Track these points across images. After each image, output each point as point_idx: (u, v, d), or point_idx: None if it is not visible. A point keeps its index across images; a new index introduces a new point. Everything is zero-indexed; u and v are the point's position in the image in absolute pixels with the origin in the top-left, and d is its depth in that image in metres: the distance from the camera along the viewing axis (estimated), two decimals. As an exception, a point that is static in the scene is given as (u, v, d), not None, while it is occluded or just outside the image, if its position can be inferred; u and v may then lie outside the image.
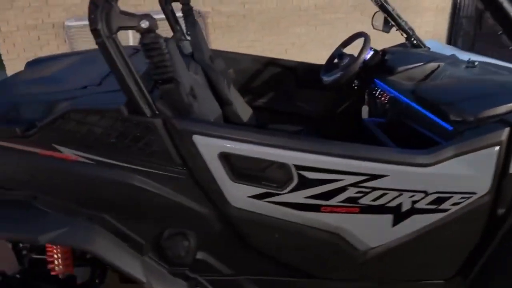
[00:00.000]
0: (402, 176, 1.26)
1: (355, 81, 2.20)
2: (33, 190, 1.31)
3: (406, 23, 2.32)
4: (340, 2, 5.93)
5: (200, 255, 1.41)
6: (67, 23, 5.30)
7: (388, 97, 1.90)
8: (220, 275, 1.45)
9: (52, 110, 1.26)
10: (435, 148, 1.28)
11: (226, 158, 1.23)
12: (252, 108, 2.36)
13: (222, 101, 2.01)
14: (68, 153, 1.25)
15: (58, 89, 1.42)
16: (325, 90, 2.41)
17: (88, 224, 1.28)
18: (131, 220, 1.33)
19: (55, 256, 1.60)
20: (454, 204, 1.30)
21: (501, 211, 1.32)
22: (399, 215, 1.30)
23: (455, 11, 6.03)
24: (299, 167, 1.22)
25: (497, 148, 1.24)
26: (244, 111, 2.20)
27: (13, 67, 5.67)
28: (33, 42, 5.60)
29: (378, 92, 1.99)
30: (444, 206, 1.30)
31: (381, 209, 1.29)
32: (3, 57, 5.70)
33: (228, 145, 1.22)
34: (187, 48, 2.32)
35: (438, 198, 1.28)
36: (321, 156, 1.21)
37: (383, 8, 2.26)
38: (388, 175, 1.24)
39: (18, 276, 1.46)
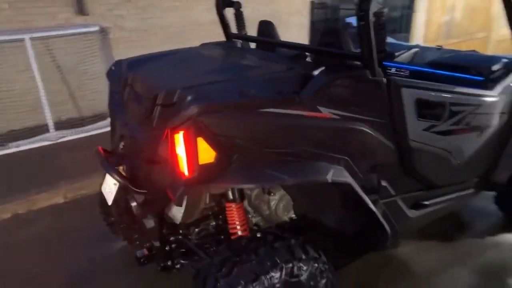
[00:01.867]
0: None
1: None
2: (300, 145, 1.60)
3: None
4: (230, 18, 6.70)
5: (383, 181, 1.95)
6: None
7: (408, 71, 2.77)
8: (389, 196, 2.01)
9: (306, 82, 1.61)
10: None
11: (419, 102, 1.84)
12: None
13: None
14: (326, 112, 1.62)
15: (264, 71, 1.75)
16: None
17: (340, 166, 1.67)
18: (356, 159, 1.76)
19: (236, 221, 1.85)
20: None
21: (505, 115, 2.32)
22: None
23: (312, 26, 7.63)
24: (452, 104, 1.95)
25: None
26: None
27: None
28: None
29: (395, 70, 2.84)
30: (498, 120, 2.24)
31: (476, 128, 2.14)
32: None
33: (421, 93, 1.84)
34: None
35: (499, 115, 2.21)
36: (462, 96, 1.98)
37: None
38: None
39: None
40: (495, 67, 2.39)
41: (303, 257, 1.59)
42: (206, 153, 1.47)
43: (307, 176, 1.60)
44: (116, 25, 5.74)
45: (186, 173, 1.47)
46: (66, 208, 3.40)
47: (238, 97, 1.51)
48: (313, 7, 7.77)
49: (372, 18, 1.58)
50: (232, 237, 1.90)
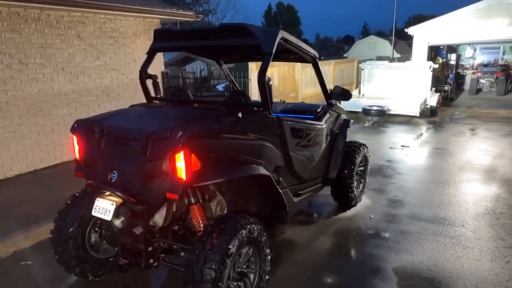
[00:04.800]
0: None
1: None
2: (241, 154, 2.69)
3: None
4: (91, 87, 7.29)
5: (280, 178, 3.20)
6: None
7: None
8: (283, 188, 3.27)
9: (237, 120, 2.75)
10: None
11: (291, 129, 3.21)
12: None
13: None
14: (251, 135, 2.79)
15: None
16: None
17: (262, 167, 2.84)
18: (268, 163, 2.94)
19: (198, 217, 2.80)
20: (326, 139, 3.89)
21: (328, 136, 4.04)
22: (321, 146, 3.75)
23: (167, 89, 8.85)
24: (306, 129, 3.43)
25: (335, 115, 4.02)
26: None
27: None
28: None
29: None
30: (326, 139, 3.86)
31: (317, 143, 3.68)
32: None
33: (292, 123, 3.23)
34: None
35: (326, 136, 3.83)
36: (309, 125, 3.48)
37: None
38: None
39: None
40: (318, 110, 4.07)
41: (254, 221, 2.65)
42: (195, 164, 2.41)
43: (249, 172, 2.71)
44: (-27, 98, 5.63)
45: (184, 178, 2.36)
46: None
47: (207, 129, 2.53)
48: (163, 76, 9.07)
49: (266, 84, 2.90)
50: (197, 229, 2.78)
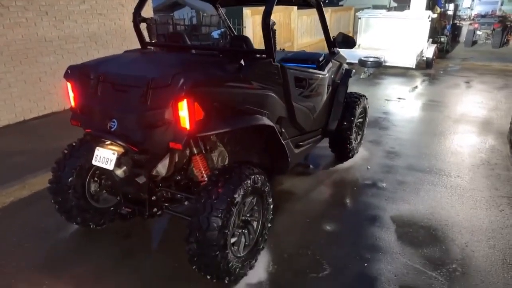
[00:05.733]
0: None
1: None
2: (245, 104, 2.59)
3: None
4: (78, 34, 6.92)
5: (282, 129, 3.14)
6: None
7: None
8: (285, 139, 3.22)
9: (240, 67, 2.62)
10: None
11: (295, 78, 3.10)
12: None
13: None
14: (254, 84, 2.68)
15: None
16: None
17: (263, 116, 2.75)
18: (271, 113, 2.86)
19: (201, 168, 2.76)
20: (328, 89, 3.79)
21: (330, 87, 3.95)
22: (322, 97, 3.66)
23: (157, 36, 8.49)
24: (309, 79, 3.31)
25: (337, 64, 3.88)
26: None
27: None
28: None
29: None
30: (327, 89, 3.76)
31: (319, 94, 3.59)
32: None
33: (295, 72, 3.11)
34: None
35: (328, 86, 3.73)
36: (312, 74, 3.35)
37: None
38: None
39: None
40: (321, 58, 3.93)
41: (258, 172, 2.62)
42: (198, 113, 2.31)
43: (254, 122, 2.63)
44: (-47, 43, 5.30)
45: (188, 127, 2.28)
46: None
47: (210, 77, 2.41)
48: (148, 23, 8.65)
49: (270, 28, 2.74)
50: (200, 180, 2.75)
